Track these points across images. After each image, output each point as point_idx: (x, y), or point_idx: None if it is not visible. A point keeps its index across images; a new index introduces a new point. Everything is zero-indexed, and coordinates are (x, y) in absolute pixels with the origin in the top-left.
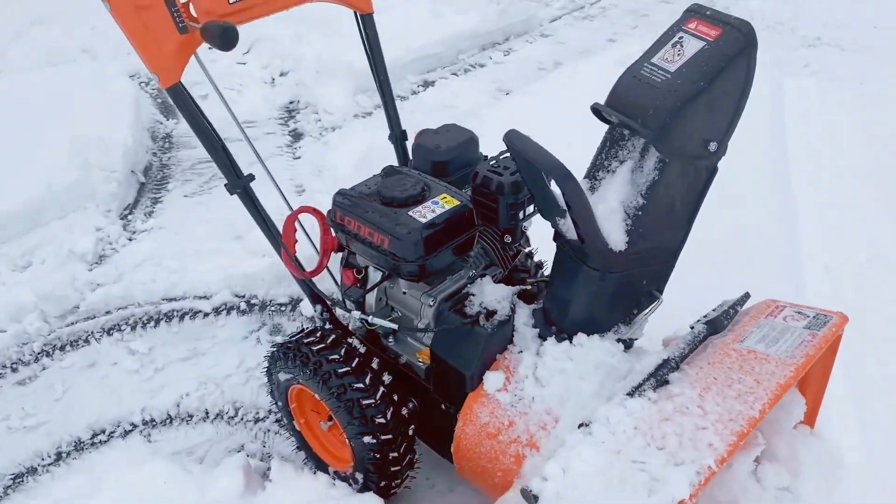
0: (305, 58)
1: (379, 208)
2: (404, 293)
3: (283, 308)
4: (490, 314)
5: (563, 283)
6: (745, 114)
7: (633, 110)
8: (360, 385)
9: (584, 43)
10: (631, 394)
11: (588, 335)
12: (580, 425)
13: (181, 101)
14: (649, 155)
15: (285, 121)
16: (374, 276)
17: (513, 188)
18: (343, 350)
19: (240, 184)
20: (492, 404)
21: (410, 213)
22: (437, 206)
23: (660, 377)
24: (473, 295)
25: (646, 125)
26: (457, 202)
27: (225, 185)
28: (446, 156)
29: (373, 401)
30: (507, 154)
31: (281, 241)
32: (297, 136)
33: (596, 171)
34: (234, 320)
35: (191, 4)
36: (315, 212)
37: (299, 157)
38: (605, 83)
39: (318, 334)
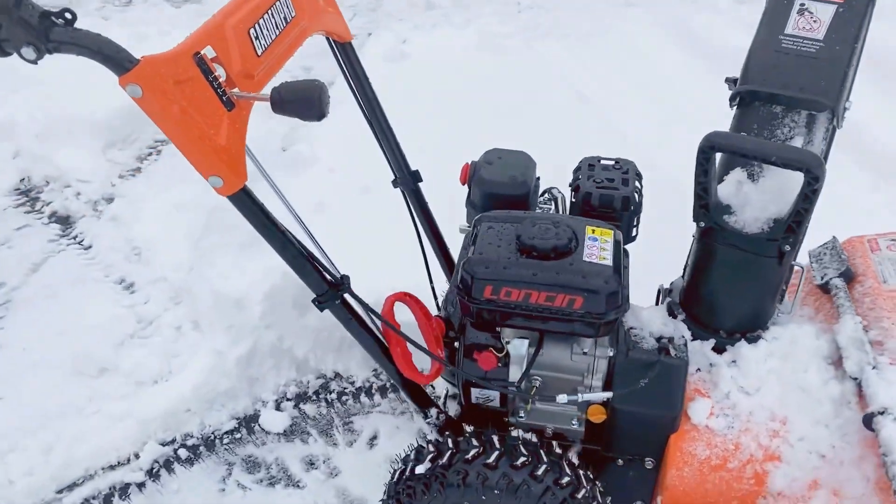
0: (17, 121)
1: (538, 265)
2: (583, 353)
3: (236, 434)
4: (669, 340)
5: (724, 281)
6: None
7: (797, 84)
8: (567, 478)
9: None
10: (874, 366)
11: (755, 329)
12: (873, 415)
13: (249, 208)
14: (817, 126)
15: (31, 205)
16: (518, 349)
17: (636, 200)
18: (513, 447)
19: (337, 295)
20: (707, 435)
21: (585, 259)
22: (598, 242)
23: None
24: (633, 328)
25: (820, 96)
26: (610, 231)
27: (313, 300)
28: (524, 187)
29: (586, 489)
30: (582, 167)
31: (403, 340)
32: (63, 220)
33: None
34: (187, 477)
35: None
36: (409, 297)
37: (90, 246)
38: None
39: (468, 441)
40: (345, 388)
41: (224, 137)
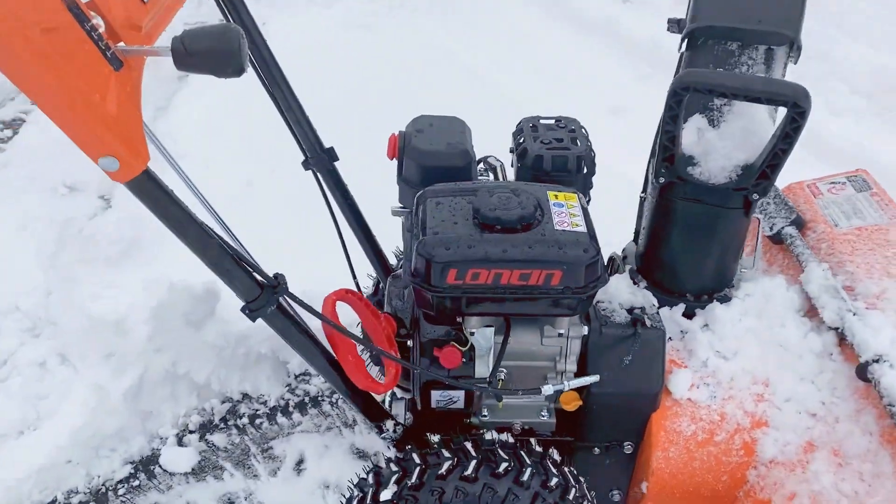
0: None
1: (507, 239)
2: (558, 335)
3: (134, 481)
4: (642, 310)
5: (688, 240)
6: None
7: (755, 16)
8: (555, 479)
9: None
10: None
11: (721, 288)
12: (867, 364)
13: (156, 196)
14: (776, 62)
15: None
16: (483, 341)
17: (591, 159)
18: (490, 452)
19: (273, 299)
20: (690, 409)
21: (557, 227)
22: (565, 208)
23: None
24: (600, 301)
25: (781, 27)
26: (574, 195)
27: (243, 308)
28: (466, 156)
29: (575, 488)
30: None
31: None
32: None
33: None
34: None
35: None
36: (351, 295)
37: None
38: None
39: (435, 454)
40: (257, 411)
41: (114, 105)
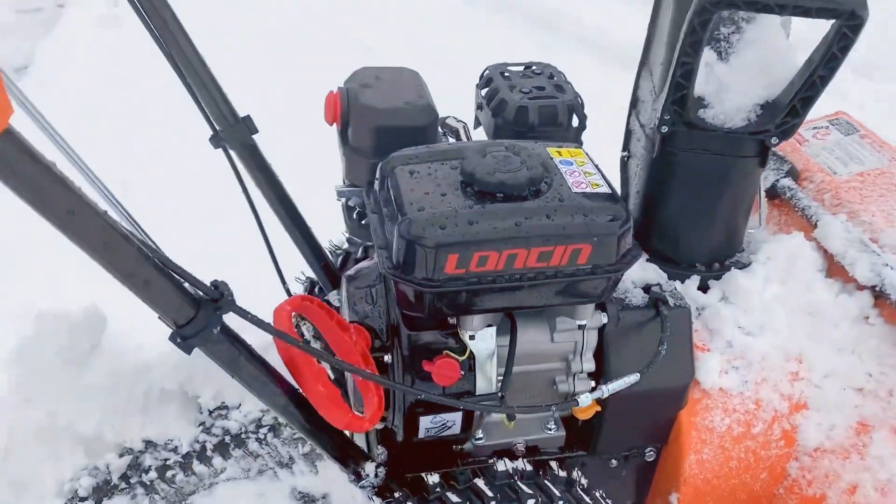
0: None
1: (518, 209)
2: (577, 327)
3: None
4: (660, 287)
5: (696, 199)
6: None
7: None
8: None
9: None
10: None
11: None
12: None
13: (18, 164)
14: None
15: None
16: (486, 343)
17: (579, 109)
18: (510, 488)
19: (215, 318)
20: (722, 400)
21: (575, 190)
22: (575, 166)
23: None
24: None
25: None
26: (579, 150)
27: (172, 336)
28: (430, 113)
29: None
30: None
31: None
32: None
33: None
34: None
35: None
36: (310, 303)
37: None
38: None
39: (439, 501)
40: (167, 460)
41: None
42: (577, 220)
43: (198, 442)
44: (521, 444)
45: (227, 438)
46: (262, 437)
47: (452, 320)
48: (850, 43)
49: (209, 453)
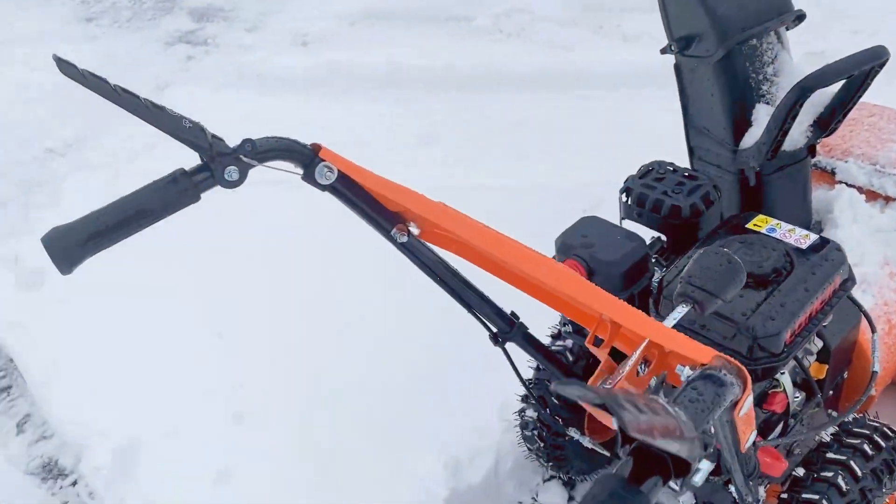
0: None
1: (795, 280)
2: None
3: None
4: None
5: (785, 208)
6: None
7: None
8: None
9: None
10: None
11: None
12: None
13: None
14: (782, 35)
15: None
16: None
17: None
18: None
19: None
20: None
21: (800, 247)
22: (778, 232)
23: None
24: None
25: (783, 11)
26: (763, 217)
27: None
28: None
29: None
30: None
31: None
32: None
33: (758, 88)
34: None
35: None
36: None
37: None
38: None
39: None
40: None
41: None
42: (826, 265)
43: None
44: None
45: None
46: None
47: None
48: (877, 73)
49: None
